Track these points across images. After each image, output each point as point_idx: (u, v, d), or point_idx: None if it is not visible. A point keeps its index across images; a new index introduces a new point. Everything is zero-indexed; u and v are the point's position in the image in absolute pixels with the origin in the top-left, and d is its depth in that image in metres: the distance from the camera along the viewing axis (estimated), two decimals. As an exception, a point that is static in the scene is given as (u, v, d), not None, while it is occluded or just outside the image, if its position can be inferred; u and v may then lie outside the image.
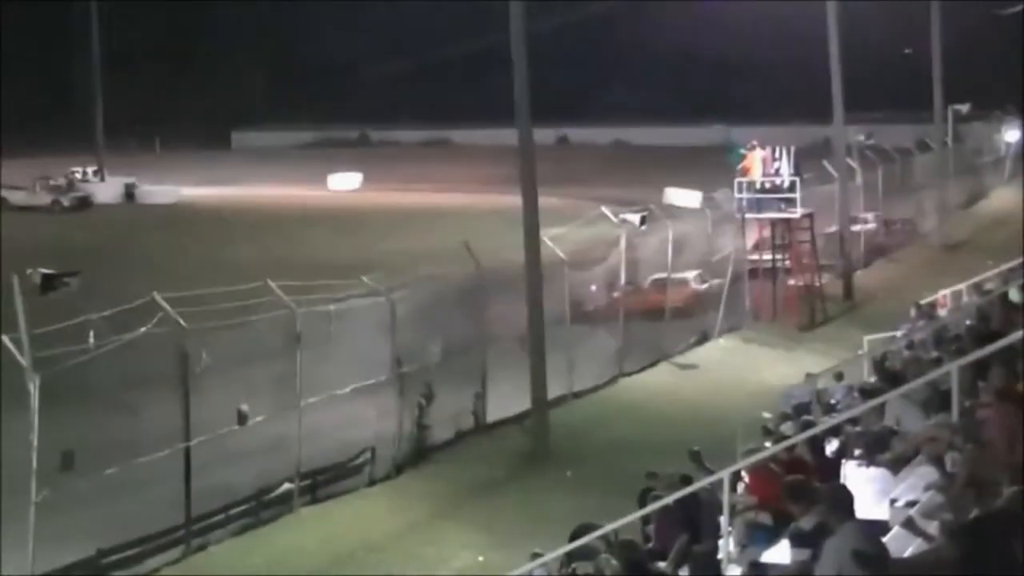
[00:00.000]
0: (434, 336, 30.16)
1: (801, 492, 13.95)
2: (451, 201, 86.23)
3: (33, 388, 20.92)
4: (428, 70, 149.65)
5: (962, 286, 36.61)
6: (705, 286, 42.76)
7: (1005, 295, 27.54)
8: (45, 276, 21.69)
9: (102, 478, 21.97)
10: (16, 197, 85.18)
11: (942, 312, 34.90)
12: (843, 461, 18.37)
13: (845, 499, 12.21)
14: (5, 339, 20.91)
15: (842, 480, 16.65)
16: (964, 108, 71.80)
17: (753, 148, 46.24)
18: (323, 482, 27.07)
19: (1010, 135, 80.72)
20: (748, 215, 45.08)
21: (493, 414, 31.99)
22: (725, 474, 16.95)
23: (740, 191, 45.28)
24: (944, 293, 38.12)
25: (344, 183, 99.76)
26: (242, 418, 24.92)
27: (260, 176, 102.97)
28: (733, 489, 17.16)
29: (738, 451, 21.27)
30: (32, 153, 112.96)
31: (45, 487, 20.97)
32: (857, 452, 18.47)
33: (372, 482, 27.98)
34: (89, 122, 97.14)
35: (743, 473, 17.80)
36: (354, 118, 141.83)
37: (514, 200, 36.49)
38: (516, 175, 34.46)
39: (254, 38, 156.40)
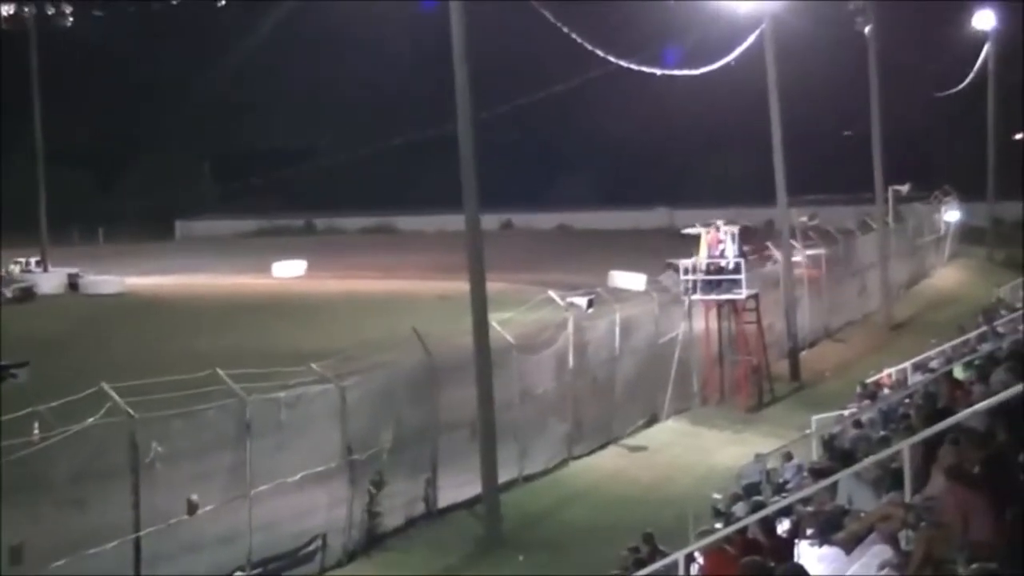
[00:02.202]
0: (385, 422, 30.09)
1: (757, 573, 13.98)
2: (398, 287, 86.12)
3: (-20, 481, 20.76)
4: (372, 158, 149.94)
5: (907, 364, 36.90)
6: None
7: (950, 373, 27.79)
8: (-8, 367, 21.55)
9: (51, 571, 21.74)
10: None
11: (886, 391, 35.13)
12: (796, 541, 18.41)
13: (803, 578, 12.27)
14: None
15: (796, 560, 16.69)
16: (904, 188, 72.39)
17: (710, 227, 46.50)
18: (274, 571, 26.87)
19: (949, 215, 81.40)
20: (694, 296, 45.29)
21: (445, 499, 31.93)
22: (680, 555, 16.99)
23: (686, 273, 45.55)
24: (889, 372, 38.42)
25: (289, 271, 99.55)
26: (192, 508, 24.75)
27: (204, 265, 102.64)
28: (688, 571, 17.19)
29: (691, 532, 21.30)
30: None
31: (-7, 582, 20.78)
32: (810, 531, 18.51)
33: (323, 570, 27.84)
34: (31, 214, 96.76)
35: (697, 554, 17.83)
36: (299, 206, 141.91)
37: (460, 285, 36.59)
38: (461, 261, 34.56)
39: (197, 128, 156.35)
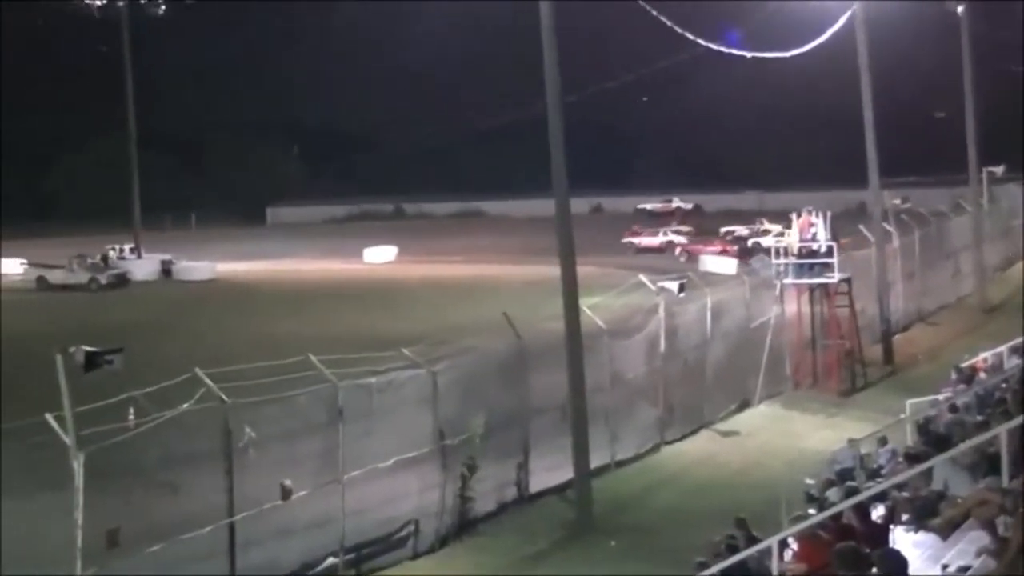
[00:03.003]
0: (476, 407, 30.11)
1: (852, 559, 13.85)
2: (487, 272, 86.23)
3: (77, 466, 20.92)
4: (461, 142, 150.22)
5: (1003, 348, 36.45)
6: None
7: (1048, 357, 27.46)
8: (88, 354, 21.64)
9: (147, 556, 21.93)
10: (55, 276, 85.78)
11: (982, 375, 34.75)
12: (891, 526, 18.26)
13: (900, 565, 12.13)
14: (49, 418, 20.93)
15: (891, 545, 16.54)
16: (998, 170, 71.68)
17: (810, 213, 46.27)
18: (367, 556, 26.97)
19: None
20: (786, 281, 45.04)
21: (536, 485, 31.92)
22: (773, 541, 16.87)
23: (777, 257, 45.31)
24: (984, 355, 37.96)
25: (380, 256, 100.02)
26: (286, 493, 24.87)
27: (296, 251, 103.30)
28: (781, 557, 17.06)
29: (783, 518, 21.15)
30: (69, 232, 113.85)
31: (91, 566, 20.96)
32: (905, 517, 18.37)
33: (416, 555, 27.91)
34: (126, 200, 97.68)
35: (790, 540, 17.70)
36: (388, 191, 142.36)
37: (549, 270, 36.47)
38: (550, 245, 34.49)
39: (288, 114, 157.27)
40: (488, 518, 30.32)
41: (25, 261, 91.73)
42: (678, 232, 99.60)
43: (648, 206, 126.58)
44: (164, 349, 47.83)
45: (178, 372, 24.08)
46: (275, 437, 24.84)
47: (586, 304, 34.28)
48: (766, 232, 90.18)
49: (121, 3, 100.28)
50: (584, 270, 34.59)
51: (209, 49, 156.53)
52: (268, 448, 24.65)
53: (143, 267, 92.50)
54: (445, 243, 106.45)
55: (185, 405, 23.24)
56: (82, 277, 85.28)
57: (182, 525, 22.80)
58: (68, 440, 20.88)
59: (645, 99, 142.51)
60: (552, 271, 34.22)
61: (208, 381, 23.82)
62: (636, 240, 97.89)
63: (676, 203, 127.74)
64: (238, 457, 24.04)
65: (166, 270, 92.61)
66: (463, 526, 29.44)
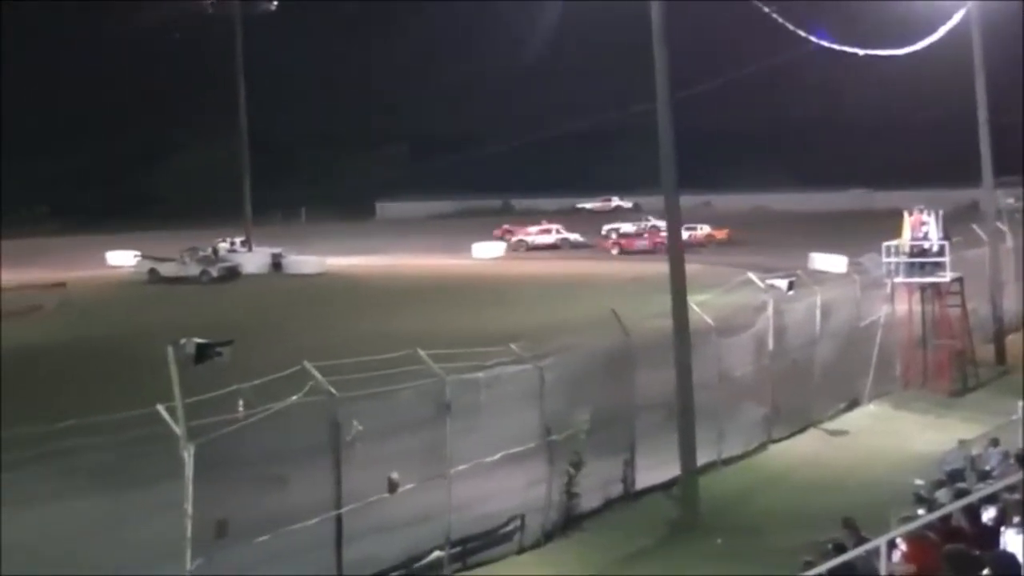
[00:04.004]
0: (582, 403, 30.08)
1: (961, 561, 13.71)
2: (593, 268, 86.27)
3: (187, 457, 21.12)
4: (567, 140, 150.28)
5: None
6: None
7: None
8: (198, 346, 21.84)
9: (255, 546, 22.11)
10: (166, 268, 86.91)
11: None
12: (1002, 529, 18.03)
13: (1013, 567, 11.98)
14: (160, 408, 21.15)
15: (1001, 548, 16.34)
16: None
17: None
18: (473, 550, 27.02)
19: None
20: (897, 279, 44.63)
21: (642, 482, 31.85)
22: (881, 542, 16.71)
23: (888, 255, 44.89)
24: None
25: (488, 252, 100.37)
26: (393, 486, 24.98)
27: (404, 246, 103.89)
28: (889, 557, 16.91)
29: (891, 519, 20.94)
30: (181, 225, 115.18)
31: (199, 556, 21.16)
32: (1016, 519, 18.11)
33: (521, 550, 27.92)
34: (237, 194, 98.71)
35: (899, 541, 17.53)
36: (496, 187, 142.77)
37: (654, 267, 36.33)
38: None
39: (397, 110, 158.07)
40: (593, 514, 30.29)
41: (138, 253, 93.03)
42: (554, 232, 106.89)
43: (588, 205, 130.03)
44: (273, 342, 48.27)
45: (287, 365, 24.25)
46: (382, 431, 24.95)
47: (694, 301, 34.14)
48: (656, 228, 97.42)
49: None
50: (691, 267, 34.45)
51: (318, 46, 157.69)
52: (374, 441, 24.75)
53: (253, 260, 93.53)
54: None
55: (294, 397, 23.40)
56: (193, 270, 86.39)
57: (289, 516, 22.96)
58: (179, 431, 21.07)
59: (750, 97, 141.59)
60: (657, 268, 34.14)
61: (317, 374, 23.97)
62: (526, 238, 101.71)
63: (616, 202, 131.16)
64: (345, 450, 24.17)
65: (276, 264, 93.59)
66: (568, 522, 29.43)
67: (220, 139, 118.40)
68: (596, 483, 30.48)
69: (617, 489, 31.35)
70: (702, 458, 32.63)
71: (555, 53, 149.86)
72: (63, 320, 67.21)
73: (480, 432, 27.30)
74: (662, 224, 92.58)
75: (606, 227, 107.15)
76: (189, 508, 21.09)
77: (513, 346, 29.30)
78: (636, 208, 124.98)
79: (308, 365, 24.13)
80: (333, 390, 23.96)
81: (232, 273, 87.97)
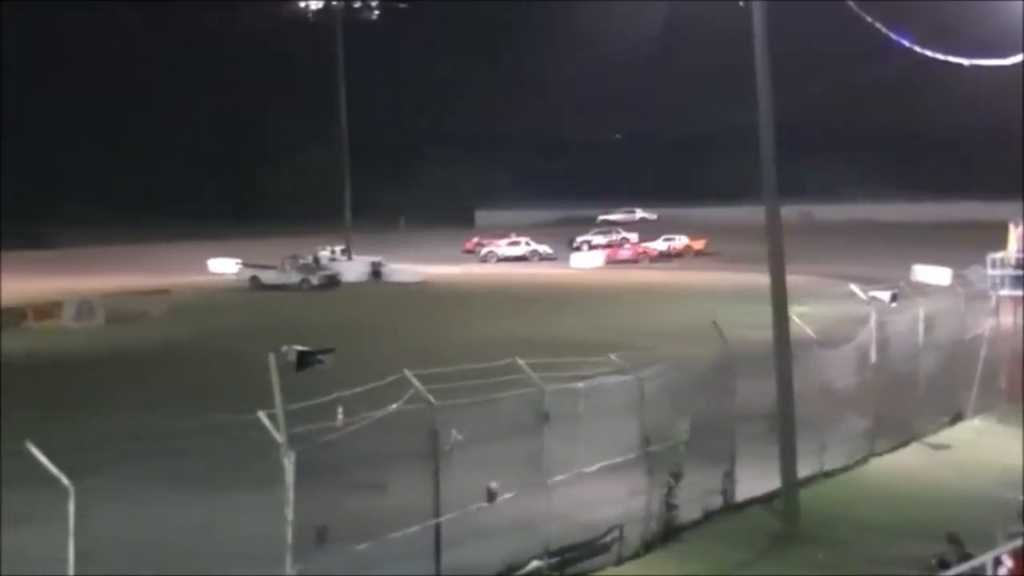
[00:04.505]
0: (682, 414, 29.93)
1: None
2: (692, 278, 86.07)
3: (288, 464, 21.19)
4: (664, 149, 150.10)
5: None
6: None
7: None
8: (300, 353, 21.95)
9: (355, 553, 22.15)
10: (267, 276, 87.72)
11: None
12: (1111, 547, 17.75)
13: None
14: (261, 415, 21.24)
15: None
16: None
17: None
18: (571, 560, 26.91)
19: None
20: (1002, 292, 44.06)
21: (742, 493, 31.61)
22: (987, 558, 16.50)
23: (993, 267, 44.33)
24: None
25: (587, 261, 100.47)
26: (491, 496, 24.96)
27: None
28: (995, 573, 16.69)
29: (997, 535, 20.68)
30: (281, 233, 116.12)
31: (299, 562, 21.23)
32: None
33: (620, 560, 27.78)
34: (337, 201, 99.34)
35: (1004, 557, 17.31)
36: (595, 196, 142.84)
37: (753, 277, 36.10)
38: (752, 252, 34.13)
39: (498, 119, 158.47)
40: (693, 526, 30.09)
41: (239, 261, 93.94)
42: (523, 244, 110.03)
43: (611, 216, 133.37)
44: (372, 350, 48.45)
45: (386, 373, 24.28)
46: (480, 439, 24.92)
47: (795, 312, 33.88)
48: (624, 241, 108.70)
49: (336, 2, 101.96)
50: (792, 278, 34.18)
51: (420, 53, 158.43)
52: (473, 450, 24.73)
53: (353, 268, 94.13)
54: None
55: (393, 406, 23.44)
56: (293, 278, 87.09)
57: (389, 524, 22.99)
58: (280, 438, 21.14)
59: (856, 105, 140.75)
60: (757, 278, 33.92)
61: (416, 382, 23.98)
62: (496, 250, 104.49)
63: (640, 213, 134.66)
64: (444, 458, 24.17)
65: (376, 272, 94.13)
66: (668, 533, 29.26)
67: (321, 146, 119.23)
68: (695, 494, 30.29)
69: (717, 501, 31.15)
70: (803, 470, 32.36)
71: (661, 55, 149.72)
72: (168, 326, 68.00)
73: (579, 442, 27.22)
74: (631, 236, 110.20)
75: (578, 239, 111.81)
76: (290, 514, 21.16)
77: (613, 356, 29.24)
78: (655, 221, 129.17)
79: (408, 373, 24.15)
80: (432, 399, 23.96)
81: (332, 281, 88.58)
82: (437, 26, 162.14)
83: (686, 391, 30.60)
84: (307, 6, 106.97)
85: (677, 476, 29.39)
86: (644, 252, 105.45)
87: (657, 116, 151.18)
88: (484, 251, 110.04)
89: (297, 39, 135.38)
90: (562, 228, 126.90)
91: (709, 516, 30.72)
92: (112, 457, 20.68)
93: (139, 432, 20.39)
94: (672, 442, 29.44)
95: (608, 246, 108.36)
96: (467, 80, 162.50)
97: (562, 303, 73.28)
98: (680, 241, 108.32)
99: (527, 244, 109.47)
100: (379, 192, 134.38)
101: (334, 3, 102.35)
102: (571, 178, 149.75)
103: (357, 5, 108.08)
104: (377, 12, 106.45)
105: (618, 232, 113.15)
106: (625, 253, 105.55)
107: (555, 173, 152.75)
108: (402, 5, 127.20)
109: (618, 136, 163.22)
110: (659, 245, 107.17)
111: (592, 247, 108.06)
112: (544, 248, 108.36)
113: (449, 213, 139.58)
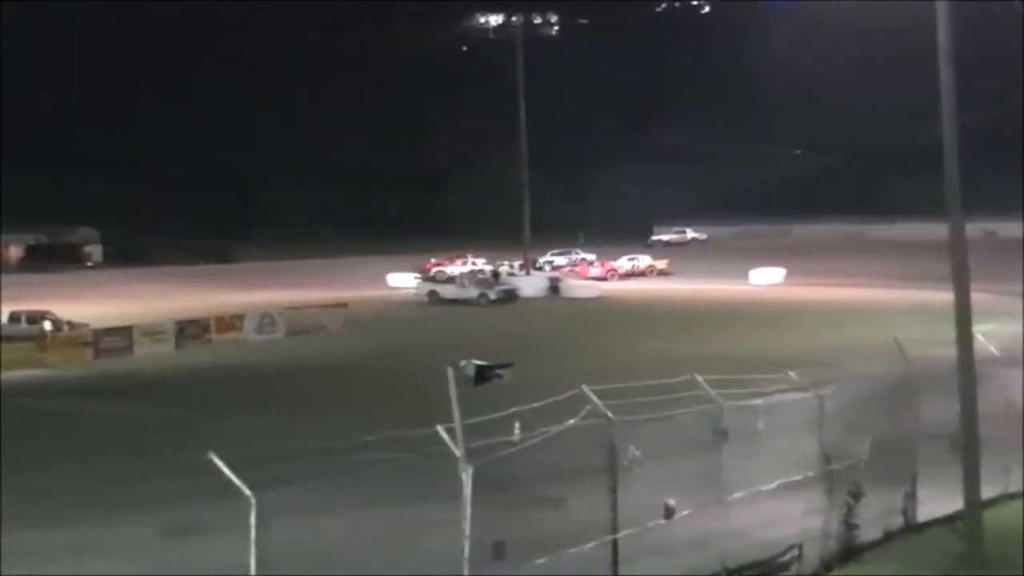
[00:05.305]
0: (862, 433, 29.54)
1: None
2: (872, 296, 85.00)
3: (466, 478, 21.28)
4: (848, 164, 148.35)
5: None
6: None
7: None
8: (478, 367, 22.03)
9: (532, 568, 22.18)
10: (446, 290, 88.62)
11: None
12: None
13: None
14: (440, 429, 21.37)
15: None
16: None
17: None
18: (749, 577, 26.75)
19: None
20: None
21: (923, 514, 31.10)
22: None
23: None
24: None
25: (766, 278, 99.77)
26: (669, 512, 24.86)
27: (679, 270, 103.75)
28: None
29: None
30: (459, 248, 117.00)
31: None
32: None
33: (798, 579, 27.53)
34: (516, 217, 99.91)
35: None
36: (773, 212, 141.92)
37: (934, 295, 35.39)
38: (932, 270, 33.54)
39: (676, 135, 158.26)
40: (873, 546, 29.68)
41: (418, 275, 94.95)
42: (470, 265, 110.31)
43: (664, 237, 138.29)
44: (550, 365, 48.54)
45: (563, 388, 24.31)
46: (657, 455, 24.85)
47: (979, 331, 33.25)
48: (584, 260, 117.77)
49: (515, 19, 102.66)
50: (976, 296, 33.56)
51: (596, 69, 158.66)
52: (650, 466, 24.66)
53: (531, 283, 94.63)
54: (831, 265, 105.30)
55: (571, 421, 23.45)
56: (472, 292, 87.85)
57: (566, 539, 22.99)
58: (458, 452, 21.25)
59: None
60: (938, 296, 33.39)
61: (594, 398, 23.97)
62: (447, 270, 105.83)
63: (691, 234, 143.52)
64: (622, 474, 24.12)
65: (554, 287, 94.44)
66: (847, 553, 28.90)
67: (501, 162, 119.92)
68: (875, 514, 29.86)
69: (897, 521, 30.69)
70: (988, 491, 31.68)
71: (837, 75, 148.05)
72: (345, 339, 68.88)
73: (757, 460, 27.02)
74: (590, 256, 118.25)
75: (541, 259, 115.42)
76: (467, 528, 21.25)
77: (792, 373, 28.98)
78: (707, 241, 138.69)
79: (586, 388, 24.16)
80: (610, 414, 23.94)
81: (510, 296, 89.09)
82: (617, 42, 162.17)
83: (866, 409, 30.22)
84: (487, 23, 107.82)
85: (857, 495, 29.03)
86: (612, 270, 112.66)
87: (841, 133, 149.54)
88: (434, 270, 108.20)
89: (480, 58, 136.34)
90: (742, 242, 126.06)
91: (889, 536, 30.26)
92: (292, 468, 20.98)
93: (318, 444, 20.62)
94: (852, 461, 29.09)
95: (573, 266, 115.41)
96: (647, 94, 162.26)
97: (734, 319, 72.85)
98: (643, 261, 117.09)
99: (473, 264, 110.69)
100: (560, 207, 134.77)
101: (514, 20, 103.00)
102: (752, 193, 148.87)
103: (537, 22, 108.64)
104: (556, 28, 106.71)
105: (577, 252, 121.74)
106: (595, 271, 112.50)
107: (732, 189, 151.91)
108: (582, 21, 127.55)
109: (797, 152, 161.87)
110: (624, 264, 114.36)
111: (554, 268, 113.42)
112: (494, 267, 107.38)
113: (628, 229, 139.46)
